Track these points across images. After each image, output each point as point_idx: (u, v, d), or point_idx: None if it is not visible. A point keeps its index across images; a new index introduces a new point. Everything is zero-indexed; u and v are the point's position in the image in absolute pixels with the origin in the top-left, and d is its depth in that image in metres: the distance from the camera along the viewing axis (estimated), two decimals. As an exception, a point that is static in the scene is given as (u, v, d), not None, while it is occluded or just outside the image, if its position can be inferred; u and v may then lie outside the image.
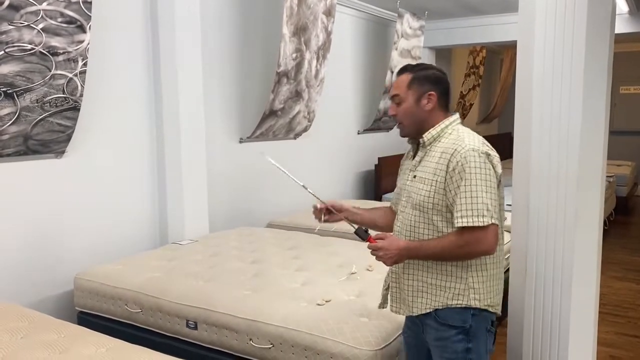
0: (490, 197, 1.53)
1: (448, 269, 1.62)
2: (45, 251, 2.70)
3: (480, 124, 8.34)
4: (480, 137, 1.64)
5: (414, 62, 5.66)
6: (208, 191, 3.43)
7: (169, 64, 3.10)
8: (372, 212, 1.89)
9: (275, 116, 3.86)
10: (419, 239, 1.63)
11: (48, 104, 2.47)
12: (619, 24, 4.68)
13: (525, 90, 2.07)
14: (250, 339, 2.05)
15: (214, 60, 3.54)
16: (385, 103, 5.23)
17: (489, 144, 1.63)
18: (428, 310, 1.65)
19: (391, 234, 1.70)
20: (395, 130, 5.99)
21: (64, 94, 2.51)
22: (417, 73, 1.68)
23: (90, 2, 2.50)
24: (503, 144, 8.41)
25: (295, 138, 4.31)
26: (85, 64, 2.55)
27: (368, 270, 2.52)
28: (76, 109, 2.59)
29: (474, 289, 1.61)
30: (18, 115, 2.38)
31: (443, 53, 6.63)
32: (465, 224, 1.52)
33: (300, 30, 3.76)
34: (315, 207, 1.85)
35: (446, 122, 1.65)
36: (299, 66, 3.82)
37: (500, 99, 8.34)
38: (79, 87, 2.56)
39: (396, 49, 5.11)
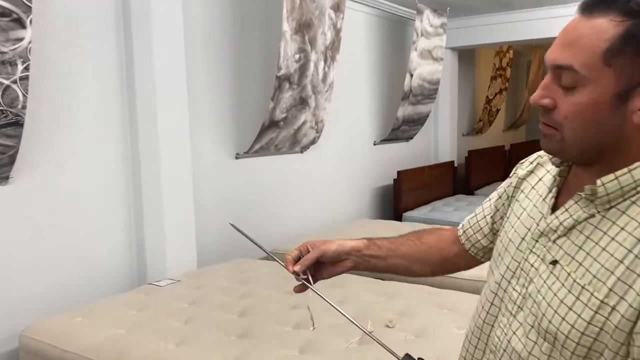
0: None
1: None
2: (-14, 301, 2.18)
3: (507, 131, 7.71)
4: None
5: (437, 64, 5.16)
6: (197, 217, 2.89)
7: (144, 66, 2.57)
8: (405, 246, 1.06)
9: (277, 127, 3.31)
10: None
11: (-21, 119, 1.96)
12: None
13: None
14: None
15: (202, 63, 3.01)
16: (404, 110, 4.66)
17: None
18: None
19: None
20: (417, 141, 5.46)
21: (0, 106, 1.99)
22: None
23: (32, -10, 2.00)
24: (532, 152, 7.80)
25: (301, 152, 3.76)
26: (27, 68, 2.04)
27: (388, 326, 1.95)
28: (18, 124, 2.07)
29: None
30: (-63, 134, 1.87)
31: (466, 54, 6.04)
32: None
33: (304, 27, 3.22)
34: (293, 270, 1.01)
35: None
36: (303, 69, 3.28)
37: (528, 104, 7.70)
38: (20, 97, 2.04)
39: (416, 49, 4.54)
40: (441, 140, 5.67)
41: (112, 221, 2.62)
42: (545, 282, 0.79)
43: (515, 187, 0.96)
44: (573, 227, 0.78)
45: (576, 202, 0.79)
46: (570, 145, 0.77)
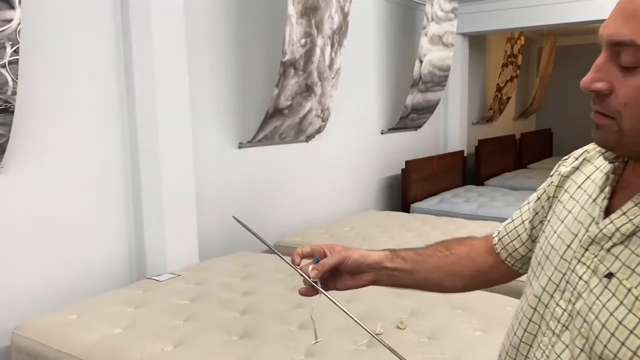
0: None
1: None
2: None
3: (517, 120, 7.54)
4: None
5: (448, 50, 5.00)
6: (199, 208, 2.78)
7: (142, 50, 2.45)
8: (433, 257, 0.94)
9: (281, 115, 3.19)
10: None
11: (-34, 106, 1.84)
12: None
13: None
14: None
15: (204, 48, 2.88)
16: (413, 97, 4.52)
17: None
18: None
19: None
20: (426, 129, 5.30)
21: (-12, 91, 1.88)
22: None
23: (21, -32, 1.87)
24: (542, 141, 7.64)
25: (307, 141, 3.64)
26: (16, 51, 1.92)
27: (399, 328, 1.84)
28: (8, 110, 1.96)
29: None
30: None
31: (477, 40, 5.87)
32: None
33: (310, 11, 3.08)
34: (304, 278, 0.91)
35: None
36: (309, 54, 3.14)
37: (539, 92, 7.52)
38: (10, 82, 1.93)
39: (426, 35, 4.39)
40: (451, 129, 5.52)
41: (110, 213, 2.51)
42: (598, 298, 0.67)
43: (557, 186, 0.83)
44: (633, 233, 0.66)
45: (637, 205, 0.67)
46: (630, 137, 0.65)
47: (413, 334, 1.79)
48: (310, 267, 0.89)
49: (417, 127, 4.96)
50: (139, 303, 2.14)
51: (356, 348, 1.70)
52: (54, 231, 2.29)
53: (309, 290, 0.90)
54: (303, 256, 0.92)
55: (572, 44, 7.56)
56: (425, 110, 4.85)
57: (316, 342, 0.96)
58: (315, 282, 0.89)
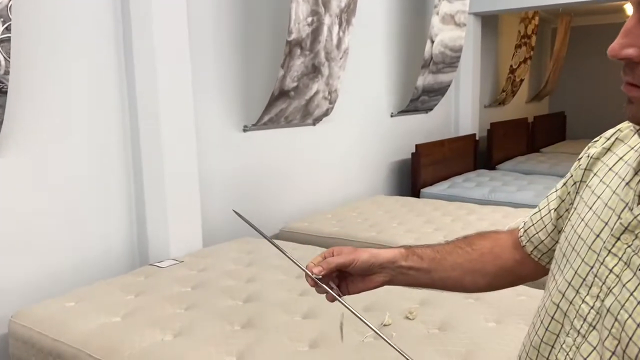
0: None
1: None
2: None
3: (530, 103, 7.37)
4: None
5: (460, 30, 4.82)
6: (203, 192, 2.71)
7: (143, 29, 2.36)
8: (453, 254, 0.87)
9: (287, 97, 3.09)
10: None
11: (-44, 86, 1.77)
12: None
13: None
14: None
15: (206, 26, 2.78)
16: (424, 79, 4.40)
17: None
18: None
19: None
20: (437, 112, 5.17)
21: (-21, 71, 1.80)
22: None
23: (11, -60, 1.78)
24: (555, 125, 7.47)
25: (314, 124, 3.54)
26: (8, 29, 1.83)
27: (408, 318, 1.76)
28: (1, 91, 1.88)
29: None
30: None
31: (490, 20, 5.71)
32: None
33: (317, -12, 2.96)
34: (313, 281, 0.84)
35: None
36: (315, 33, 3.03)
37: (552, 74, 7.34)
38: (2, 62, 1.85)
39: (437, 14, 4.25)
40: (462, 111, 5.38)
41: (111, 197, 2.44)
42: (632, 294, 0.59)
43: (585, 170, 0.74)
44: None
45: None
46: None
47: (423, 325, 1.71)
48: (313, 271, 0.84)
49: (427, 109, 4.84)
50: (139, 290, 2.08)
51: (362, 340, 1.62)
52: (52, 217, 2.23)
53: (331, 296, 0.84)
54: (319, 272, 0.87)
55: (588, 24, 7.35)
56: (437, 92, 4.72)
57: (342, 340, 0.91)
58: (321, 280, 0.84)
